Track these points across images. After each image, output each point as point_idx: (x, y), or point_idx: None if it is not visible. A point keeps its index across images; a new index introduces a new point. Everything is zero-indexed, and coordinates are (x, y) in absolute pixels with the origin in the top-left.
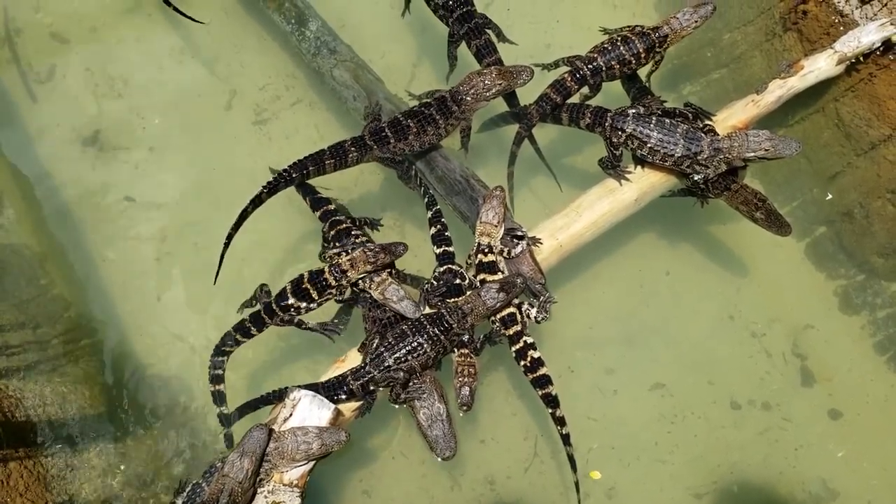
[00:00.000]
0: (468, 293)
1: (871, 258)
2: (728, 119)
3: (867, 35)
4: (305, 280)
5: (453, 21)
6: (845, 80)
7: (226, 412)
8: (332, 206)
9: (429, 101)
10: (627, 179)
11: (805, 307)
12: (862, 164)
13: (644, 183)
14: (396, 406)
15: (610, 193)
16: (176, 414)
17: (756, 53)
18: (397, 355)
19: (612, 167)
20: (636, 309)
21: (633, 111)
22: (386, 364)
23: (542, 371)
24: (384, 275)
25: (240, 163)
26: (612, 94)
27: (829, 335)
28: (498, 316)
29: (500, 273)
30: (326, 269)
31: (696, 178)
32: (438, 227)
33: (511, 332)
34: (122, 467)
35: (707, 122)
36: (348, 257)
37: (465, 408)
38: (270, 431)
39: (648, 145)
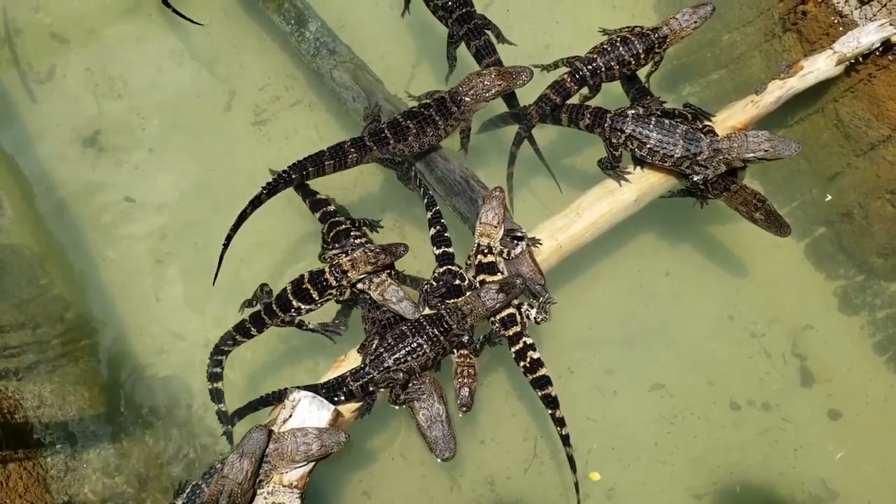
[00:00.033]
0: (468, 294)
1: (870, 258)
2: (727, 120)
3: (866, 35)
4: (306, 280)
5: (452, 22)
6: (844, 80)
7: (224, 409)
8: (331, 208)
9: (428, 101)
10: (627, 180)
11: (804, 307)
12: (861, 164)
13: (643, 183)
14: (396, 407)
15: (609, 194)
16: (175, 414)
17: (755, 54)
18: (397, 356)
19: (611, 168)
20: (636, 309)
21: (633, 112)
22: (385, 365)
23: (542, 372)
24: (383, 276)
25: (239, 163)
26: (612, 94)
27: (828, 335)
28: (497, 317)
29: (499, 274)
30: (327, 270)
31: (695, 179)
32: (438, 227)
33: (511, 332)
34: (122, 468)
35: (706, 122)
36: (349, 258)
37: (464, 409)
38: (270, 432)
39: (648, 146)
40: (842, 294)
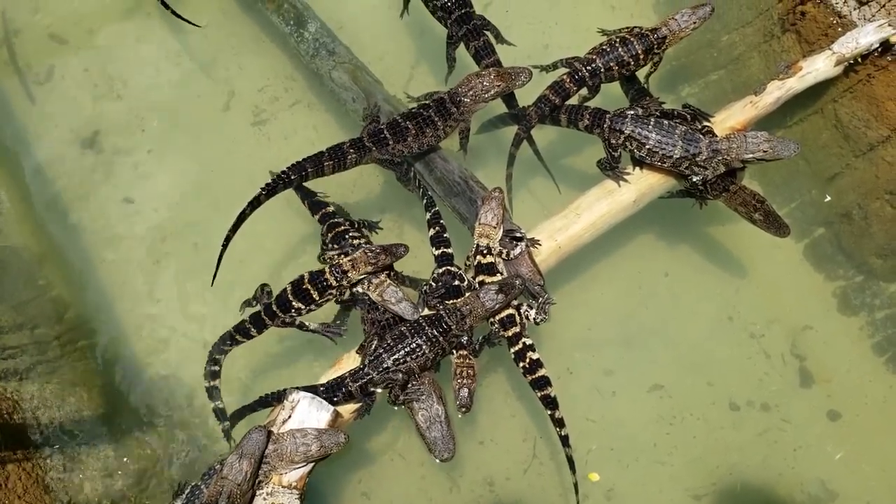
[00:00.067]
0: (467, 295)
1: (869, 259)
2: (726, 120)
3: (865, 36)
4: (306, 281)
5: (452, 22)
6: (843, 81)
7: (221, 406)
8: (330, 209)
9: (427, 102)
10: (626, 181)
11: (804, 308)
12: (860, 165)
13: (642, 184)
14: (395, 408)
15: (608, 195)
16: (174, 415)
17: (754, 55)
18: (396, 357)
19: (610, 168)
20: (635, 310)
21: (632, 112)
22: (385, 366)
23: (541, 372)
24: (382, 276)
25: (238, 164)
26: (611, 95)
27: (827, 336)
28: (497, 317)
29: (498, 274)
30: (327, 270)
31: (694, 180)
32: (437, 228)
33: (510, 333)
34: (121, 469)
35: (705, 123)
36: (349, 258)
37: (463, 409)
38: (269, 433)
39: (647, 147)
40: (841, 295)
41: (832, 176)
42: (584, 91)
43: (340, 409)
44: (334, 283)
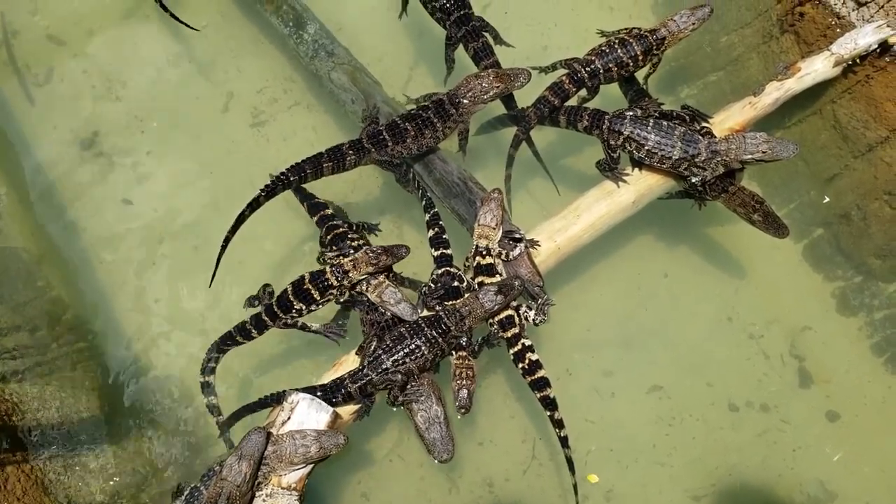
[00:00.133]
0: (466, 296)
1: (868, 260)
2: (725, 121)
3: (864, 37)
4: (307, 281)
5: (451, 24)
6: (842, 82)
7: (215, 403)
8: (329, 211)
9: (426, 104)
10: (625, 182)
11: (803, 309)
12: (859, 166)
13: (642, 185)
14: (394, 409)
15: (608, 196)
16: (174, 417)
17: (753, 55)
18: (395, 358)
19: (609, 169)
20: (634, 311)
21: (631, 113)
22: (384, 367)
23: (541, 373)
24: (381, 277)
25: (237, 165)
26: (610, 96)
27: (826, 337)
28: (496, 318)
29: (498, 275)
30: (328, 270)
31: (693, 181)
32: (436, 229)
33: (509, 334)
34: (120, 470)
35: (704, 124)
36: (350, 258)
37: (463, 410)
38: (268, 435)
39: (646, 148)
40: (840, 295)
41: (831, 177)
42: (583, 92)
43: (340, 410)
44: (335, 283)
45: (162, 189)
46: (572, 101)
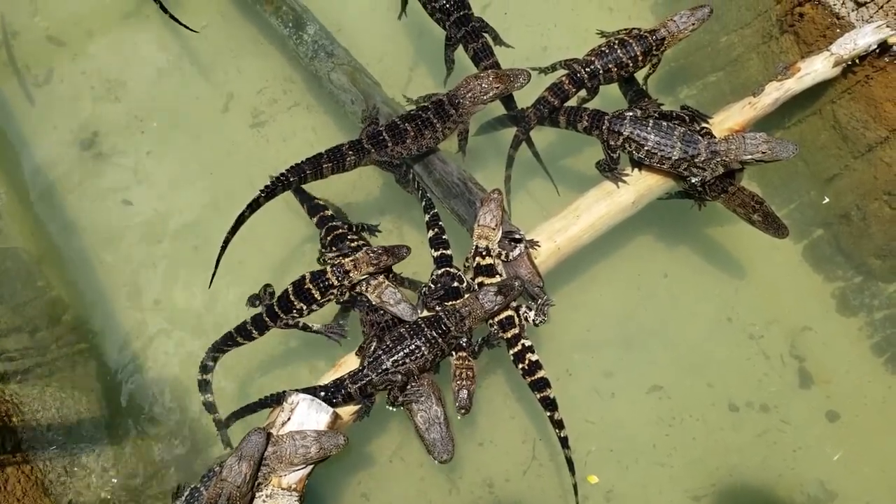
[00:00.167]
0: (466, 296)
1: (868, 260)
2: (725, 121)
3: (863, 37)
4: (307, 281)
5: (450, 24)
6: (842, 82)
7: (211, 400)
8: (328, 212)
9: (426, 104)
10: (625, 182)
11: (803, 309)
12: (859, 166)
13: (641, 185)
14: (393, 409)
15: (607, 196)
16: (173, 418)
17: (753, 56)
18: (395, 358)
19: (609, 170)
20: (634, 311)
21: (631, 114)
22: (384, 367)
23: (541, 374)
24: (381, 278)
25: (237, 166)
26: (610, 97)
27: (826, 337)
28: (496, 319)
29: (497, 276)
30: (329, 270)
31: (693, 181)
32: (436, 230)
33: (509, 334)
34: (120, 472)
35: (704, 124)
36: (351, 258)
37: (463, 411)
38: (268, 435)
39: (646, 148)
40: (840, 295)
41: (831, 177)
42: (582, 93)
43: (340, 410)
44: (336, 283)
45: (162, 189)
46: (572, 102)
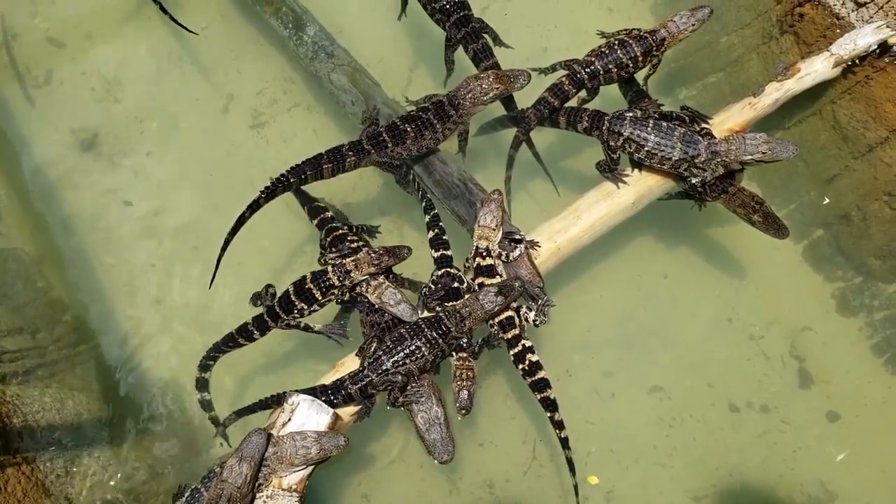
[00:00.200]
0: (466, 297)
1: (868, 260)
2: (725, 122)
3: (863, 37)
4: (308, 281)
5: (450, 25)
6: (842, 82)
7: (208, 398)
8: (328, 214)
9: (426, 105)
10: (625, 182)
11: (803, 309)
12: (859, 166)
13: (641, 186)
14: (390, 408)
15: (607, 196)
16: (174, 419)
17: (753, 56)
18: (395, 359)
19: (609, 170)
20: (634, 312)
21: (631, 115)
22: (384, 368)
23: (541, 374)
24: (381, 278)
25: (237, 167)
26: (610, 97)
27: (826, 337)
28: (496, 319)
29: (498, 276)
30: (330, 270)
31: (693, 182)
32: (436, 230)
33: (509, 335)
34: (120, 472)
35: (704, 125)
36: (352, 258)
37: (463, 411)
38: (269, 436)
39: (646, 148)
40: (840, 296)
41: (831, 177)
42: (582, 93)
43: (340, 411)
44: (337, 283)
45: (162, 190)
46: (572, 103)
